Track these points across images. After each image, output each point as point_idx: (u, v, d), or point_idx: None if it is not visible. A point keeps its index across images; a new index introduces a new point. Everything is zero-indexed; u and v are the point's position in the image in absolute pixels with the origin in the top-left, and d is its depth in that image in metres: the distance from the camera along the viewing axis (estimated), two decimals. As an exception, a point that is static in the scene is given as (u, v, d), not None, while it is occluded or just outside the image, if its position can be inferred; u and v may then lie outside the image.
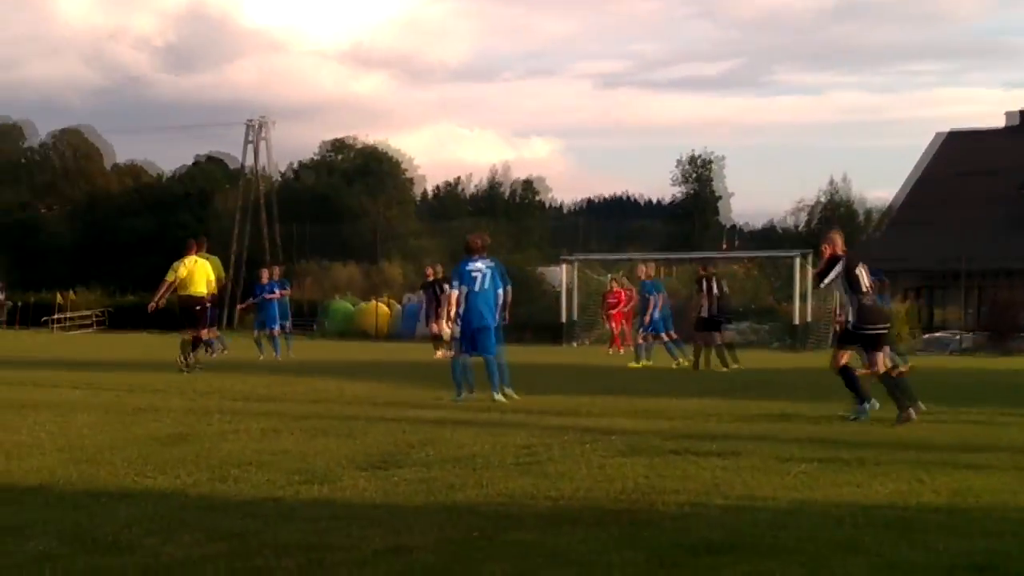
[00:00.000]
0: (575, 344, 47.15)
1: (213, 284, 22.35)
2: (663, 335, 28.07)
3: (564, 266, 51.20)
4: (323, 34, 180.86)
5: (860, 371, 14.52)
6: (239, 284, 71.54)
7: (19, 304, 73.70)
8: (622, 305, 36.03)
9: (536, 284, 57.93)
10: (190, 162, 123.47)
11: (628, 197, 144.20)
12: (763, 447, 11.00)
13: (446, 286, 26.83)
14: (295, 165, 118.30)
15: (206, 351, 25.55)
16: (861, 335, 14.37)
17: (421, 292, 31.08)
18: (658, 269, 38.32)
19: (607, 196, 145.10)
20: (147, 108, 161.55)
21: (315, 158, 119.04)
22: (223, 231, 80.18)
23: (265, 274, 31.69)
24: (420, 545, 6.59)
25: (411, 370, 17.43)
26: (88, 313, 72.89)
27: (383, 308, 59.92)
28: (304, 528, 7.06)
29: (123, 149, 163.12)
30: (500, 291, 17.03)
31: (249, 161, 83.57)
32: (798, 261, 45.50)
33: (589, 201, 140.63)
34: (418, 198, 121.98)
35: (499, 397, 16.38)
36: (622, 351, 33.18)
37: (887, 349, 15.51)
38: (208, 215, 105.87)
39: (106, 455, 10.03)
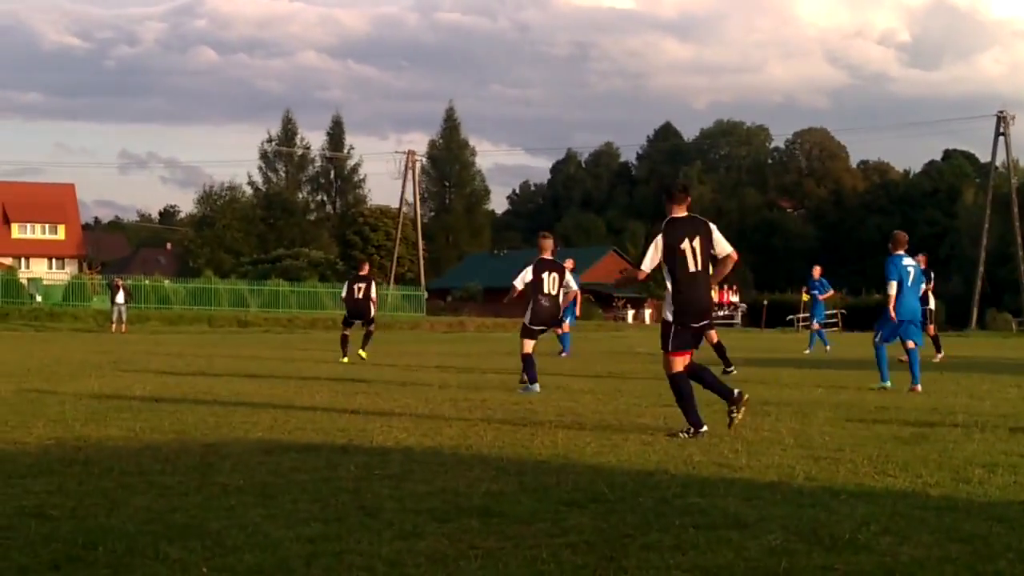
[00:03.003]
0: None
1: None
2: None
3: None
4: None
5: None
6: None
7: (765, 303, 75.86)
8: None
9: None
10: (932, 158, 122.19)
11: None
12: None
13: None
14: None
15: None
16: None
17: None
18: None
19: None
20: (887, 105, 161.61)
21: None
22: (971, 227, 78.35)
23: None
24: None
25: None
26: (831, 312, 73.64)
27: None
28: (1057, 535, 6.59)
29: (859, 147, 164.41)
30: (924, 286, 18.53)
31: (999, 155, 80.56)
32: None
33: None
34: None
35: (919, 387, 17.33)
36: None
37: None
38: (956, 211, 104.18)
39: (845, 452, 9.90)
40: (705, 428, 11.09)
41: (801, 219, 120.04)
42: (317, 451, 9.90)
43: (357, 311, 25.82)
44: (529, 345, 17.13)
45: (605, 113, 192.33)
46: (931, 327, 27.45)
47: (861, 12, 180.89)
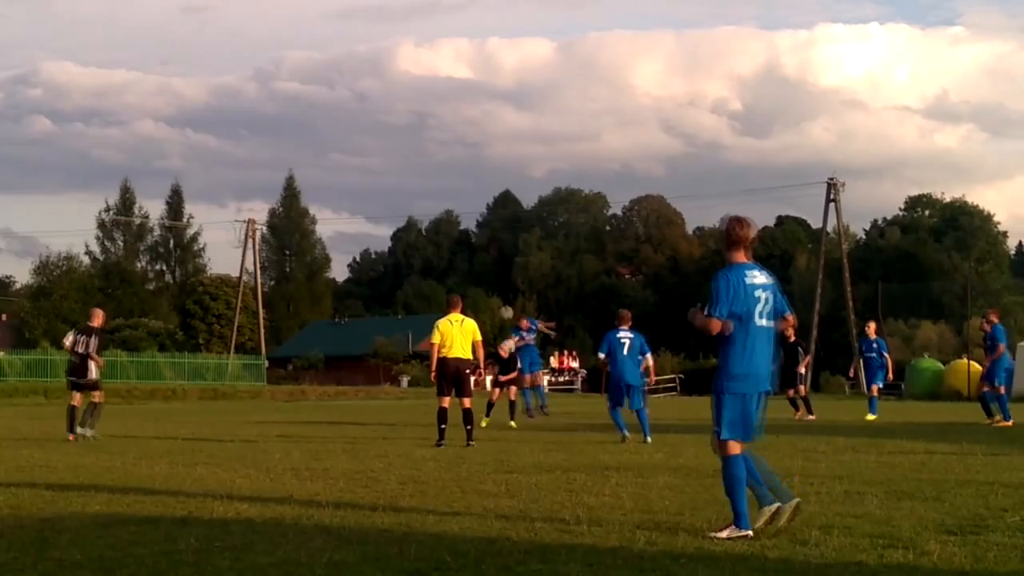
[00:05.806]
0: None
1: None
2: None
3: None
4: (904, 88, 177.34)
5: None
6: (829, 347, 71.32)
7: (605, 369, 76.41)
8: None
9: None
10: (766, 224, 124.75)
11: None
12: None
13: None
14: (879, 222, 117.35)
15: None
16: None
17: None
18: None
19: None
20: (721, 172, 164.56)
21: (899, 215, 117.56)
22: (804, 292, 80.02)
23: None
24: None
25: (1001, 433, 16.49)
26: (668, 377, 74.56)
27: (976, 367, 57.64)
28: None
29: (694, 214, 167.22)
30: (645, 356, 20.81)
31: (830, 221, 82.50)
32: None
33: None
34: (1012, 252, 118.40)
35: (649, 440, 19.65)
36: None
37: None
38: (790, 276, 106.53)
39: (685, 516, 10.02)
40: None
41: (639, 285, 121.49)
42: (156, 524, 9.74)
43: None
44: (75, 397, 22.41)
45: (445, 181, 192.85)
46: (802, 388, 30.62)
47: (694, 82, 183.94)
